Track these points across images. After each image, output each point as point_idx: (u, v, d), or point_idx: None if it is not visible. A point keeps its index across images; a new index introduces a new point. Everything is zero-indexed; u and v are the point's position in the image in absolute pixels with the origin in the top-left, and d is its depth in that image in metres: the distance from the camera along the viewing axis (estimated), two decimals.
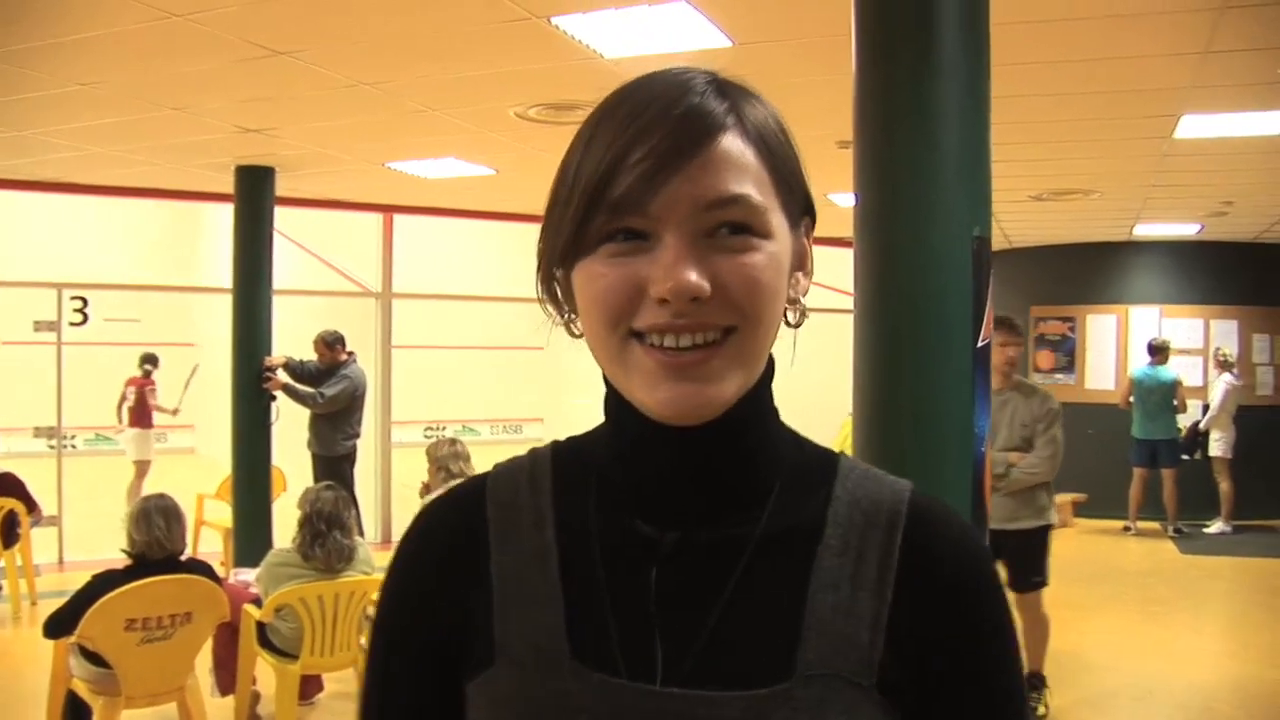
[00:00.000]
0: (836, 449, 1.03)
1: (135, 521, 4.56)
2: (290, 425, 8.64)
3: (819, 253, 1.00)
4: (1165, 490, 10.96)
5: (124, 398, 12.02)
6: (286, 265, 9.34)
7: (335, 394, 8.39)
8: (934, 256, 2.77)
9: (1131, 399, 11.08)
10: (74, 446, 15.04)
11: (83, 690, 4.53)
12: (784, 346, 0.99)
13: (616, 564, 0.94)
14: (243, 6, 4.48)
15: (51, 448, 10.33)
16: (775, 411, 0.98)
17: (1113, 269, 12.10)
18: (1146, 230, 11.07)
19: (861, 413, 2.90)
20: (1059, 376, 12.38)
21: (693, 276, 0.84)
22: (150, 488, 8.30)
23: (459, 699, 0.96)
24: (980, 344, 2.79)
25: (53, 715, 4.66)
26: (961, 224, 2.79)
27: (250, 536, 7.90)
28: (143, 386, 11.85)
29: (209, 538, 8.84)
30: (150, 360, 12.06)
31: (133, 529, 4.55)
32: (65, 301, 9.48)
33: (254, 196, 8.32)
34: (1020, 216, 10.18)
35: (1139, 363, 11.28)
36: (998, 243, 11.98)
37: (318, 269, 11.26)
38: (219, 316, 10.15)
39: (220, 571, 6.86)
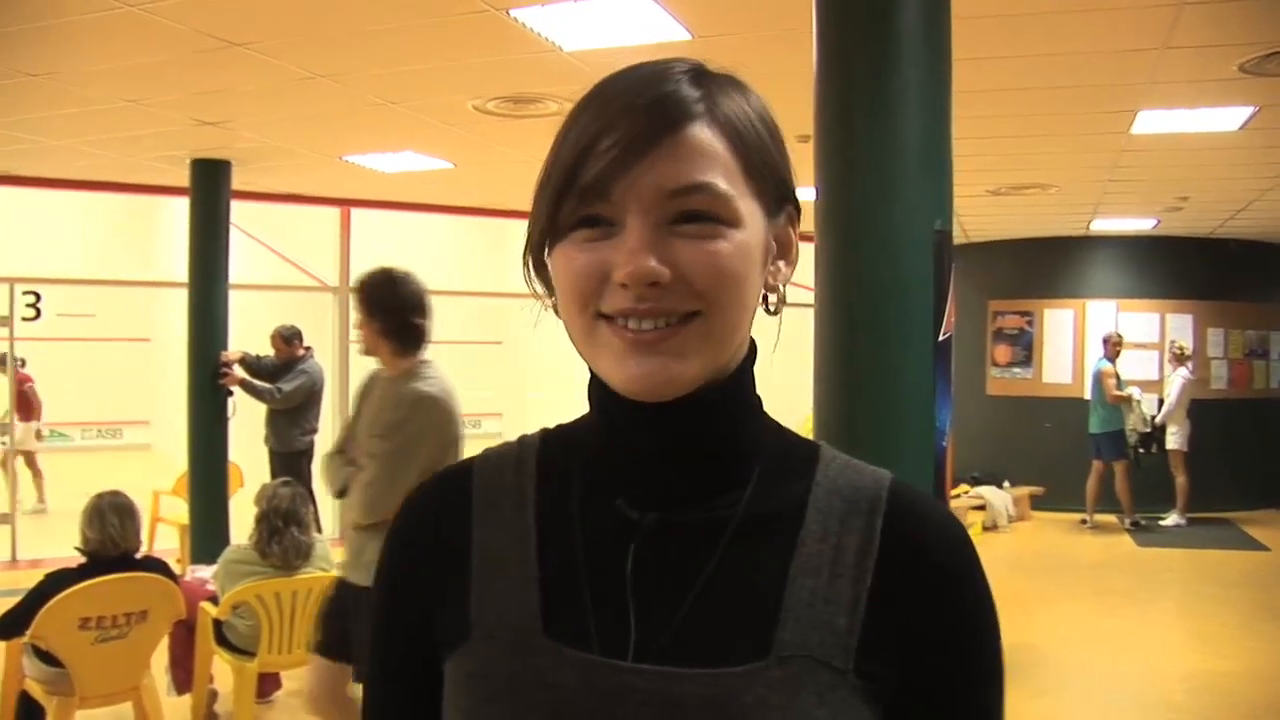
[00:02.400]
0: None
1: (89, 519, 4.50)
2: (247, 421, 8.56)
3: None
4: (1116, 483, 11.05)
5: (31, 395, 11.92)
6: (244, 260, 9.24)
7: (292, 389, 8.32)
8: (894, 250, 2.78)
9: (1118, 391, 11.13)
10: None
11: (36, 691, 4.46)
12: (765, 334, 0.99)
13: (595, 543, 0.95)
14: None
15: (4, 444, 10.20)
16: (758, 399, 0.99)
17: (1070, 263, 12.22)
18: (1104, 225, 11.17)
19: (822, 407, 2.90)
20: (1016, 370, 12.48)
21: (650, 263, 0.86)
22: (108, 484, 8.17)
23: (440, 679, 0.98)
24: (942, 338, 2.80)
25: (5, 717, 4.59)
26: (922, 217, 2.80)
27: (207, 533, 7.83)
28: (26, 381, 11.81)
29: (165, 534, 8.74)
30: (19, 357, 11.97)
31: (86, 527, 4.49)
32: (18, 296, 9.36)
33: (210, 190, 8.22)
34: (978, 211, 10.23)
35: (1095, 356, 11.37)
36: (955, 237, 12.15)
37: (275, 263, 11.16)
38: (176, 311, 10.04)
39: (176, 569, 6.79)
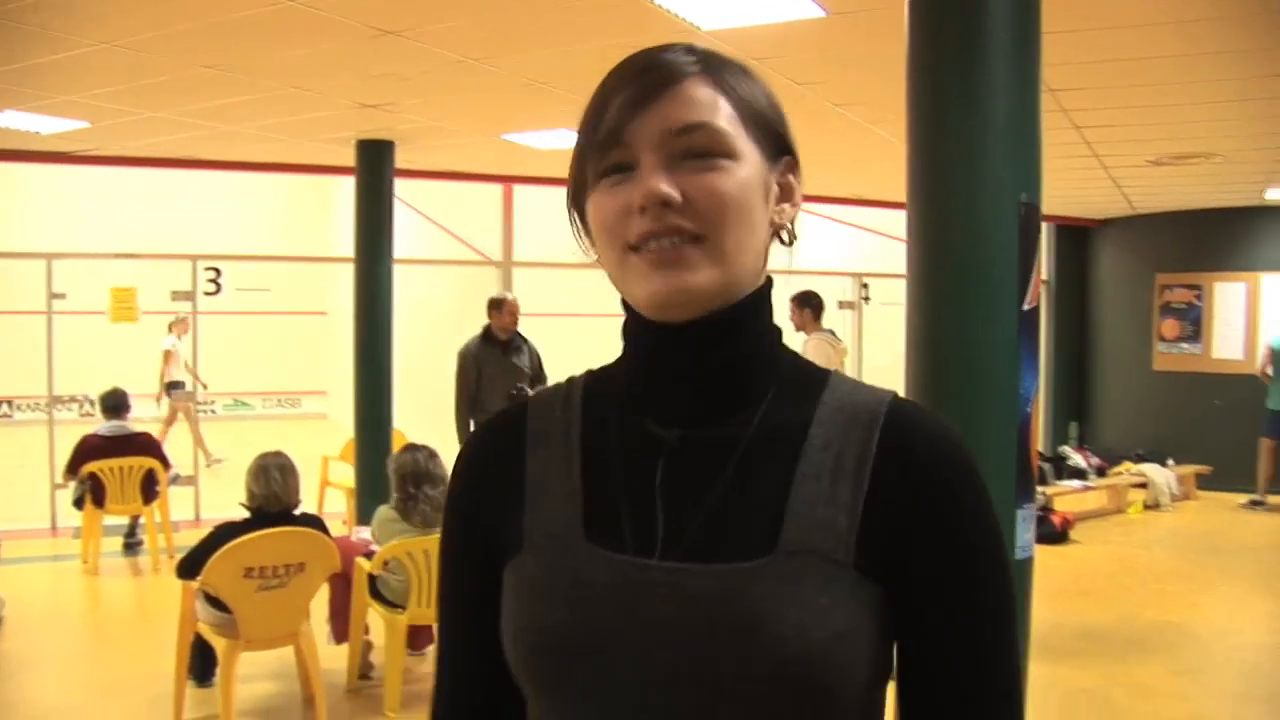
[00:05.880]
0: None
1: (255, 476, 4.88)
2: (411, 388, 8.87)
3: None
4: None
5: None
6: (412, 235, 9.58)
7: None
8: (981, 223, 2.85)
9: (1269, 369, 10.74)
10: (214, 411, 15.72)
11: (207, 633, 4.86)
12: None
13: (630, 459, 1.10)
14: None
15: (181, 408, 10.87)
16: (776, 329, 1.13)
17: (1243, 235, 11.75)
18: (1279, 194, 10.71)
19: (912, 371, 3.00)
20: (1184, 346, 12.10)
21: (661, 185, 1.01)
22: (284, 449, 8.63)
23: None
24: (1027, 307, 2.86)
25: (181, 655, 4.99)
26: (1009, 190, 2.85)
27: (371, 496, 8.16)
28: None
29: (333, 498, 9.21)
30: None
31: (252, 483, 4.87)
32: (200, 272, 9.94)
33: (374, 169, 8.60)
34: (1141, 181, 9.96)
35: (1271, 333, 10.94)
36: (1120, 209, 11.88)
37: (442, 238, 11.56)
38: (351, 285, 10.49)
39: (343, 530, 7.20)
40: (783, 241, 1.13)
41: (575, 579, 1.06)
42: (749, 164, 1.05)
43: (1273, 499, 10.75)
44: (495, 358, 7.71)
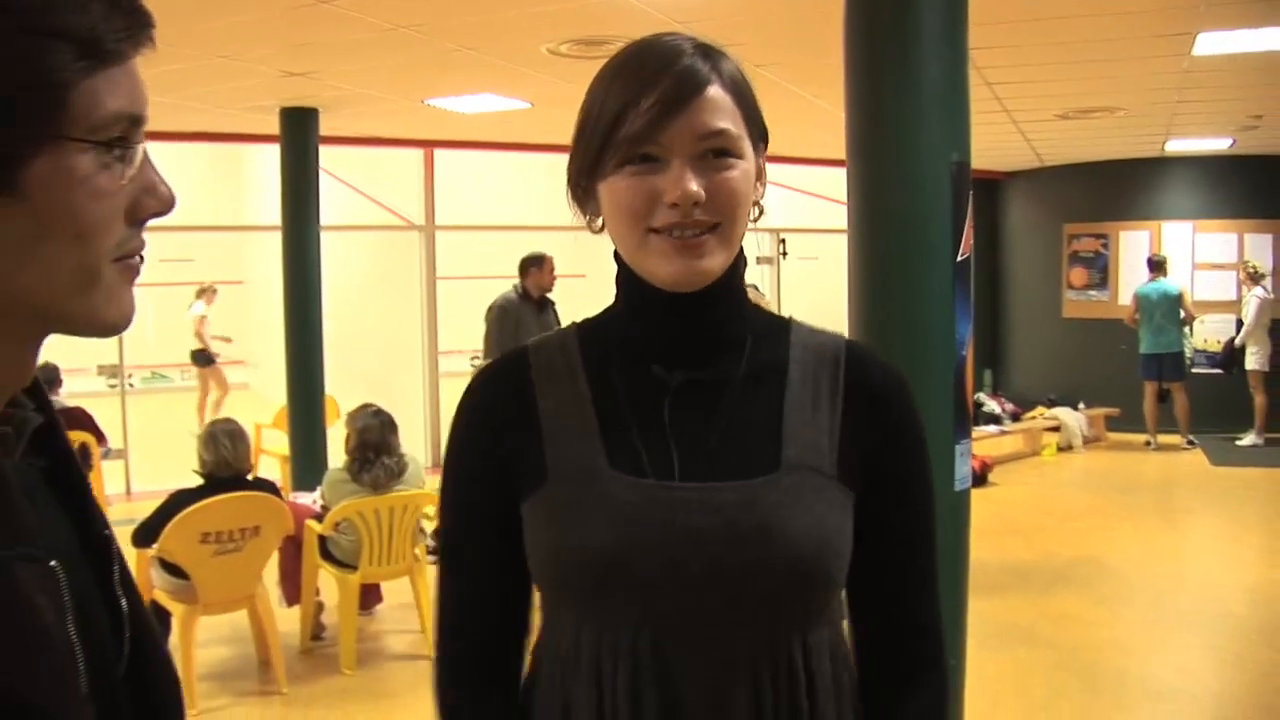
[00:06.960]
0: None
1: (204, 444, 4.94)
2: (341, 354, 8.89)
3: None
4: (1177, 403, 11.11)
5: None
6: (332, 201, 9.57)
7: None
8: (916, 180, 3.06)
9: (1138, 316, 11.20)
10: (132, 385, 15.46)
11: (164, 599, 4.92)
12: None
13: (638, 399, 1.28)
14: None
15: (113, 386, 10.78)
16: (745, 289, 1.33)
17: (1146, 185, 12.17)
18: (1179, 146, 11.10)
19: (856, 321, 3.21)
20: (1092, 293, 12.51)
21: (694, 187, 1.18)
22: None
23: (517, 518, 1.30)
24: (960, 258, 3.06)
25: None
26: (942, 151, 3.06)
27: (306, 463, 8.26)
28: None
29: (267, 465, 9.20)
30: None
31: (203, 450, 4.93)
32: None
33: (299, 137, 8.57)
34: (1049, 134, 10.26)
35: (1173, 279, 11.34)
36: (1028, 161, 12.21)
37: (363, 204, 11.53)
38: (265, 254, 10.37)
39: None
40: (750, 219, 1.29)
41: (612, 502, 1.23)
42: (749, 159, 1.23)
43: (1164, 438, 11.19)
44: (532, 315, 7.61)
